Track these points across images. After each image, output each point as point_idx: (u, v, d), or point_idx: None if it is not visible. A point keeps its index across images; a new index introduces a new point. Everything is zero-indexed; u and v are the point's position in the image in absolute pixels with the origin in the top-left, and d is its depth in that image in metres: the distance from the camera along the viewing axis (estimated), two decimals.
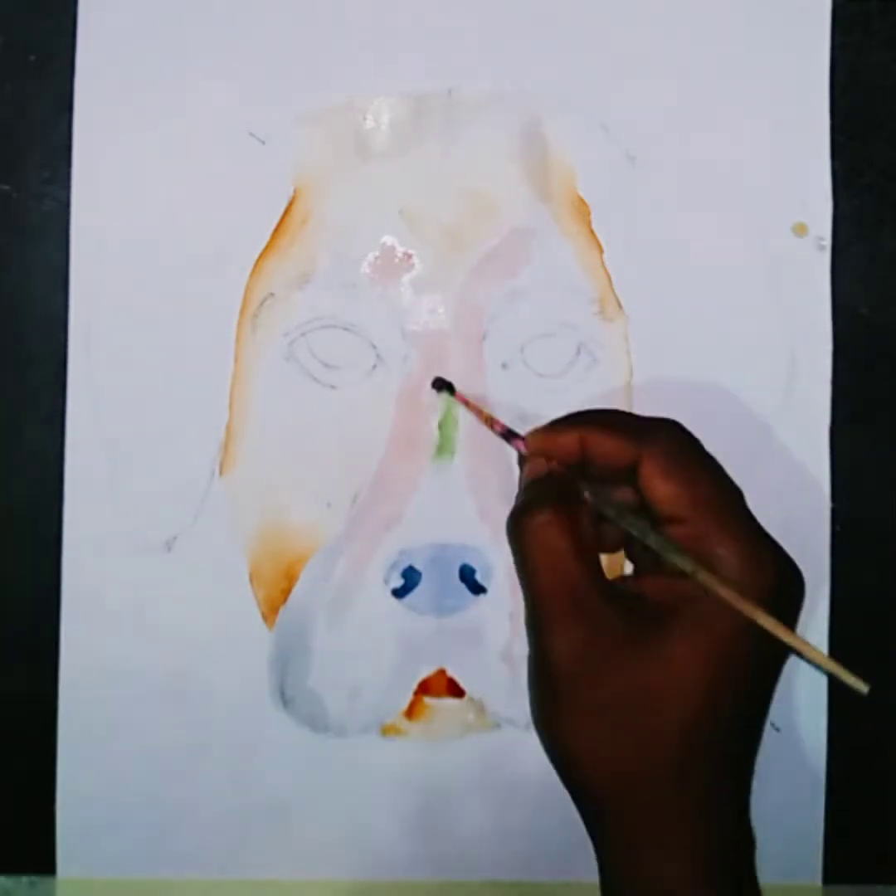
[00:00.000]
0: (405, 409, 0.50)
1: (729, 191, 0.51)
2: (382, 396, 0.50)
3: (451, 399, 0.49)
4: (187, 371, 0.50)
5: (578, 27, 0.51)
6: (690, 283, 0.51)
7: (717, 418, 0.51)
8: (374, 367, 0.50)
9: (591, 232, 0.50)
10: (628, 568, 0.50)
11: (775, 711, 0.50)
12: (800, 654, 0.39)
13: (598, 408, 0.44)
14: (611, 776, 0.39)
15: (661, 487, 0.40)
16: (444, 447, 0.49)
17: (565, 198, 0.50)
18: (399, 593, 0.49)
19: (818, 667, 0.39)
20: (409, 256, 0.50)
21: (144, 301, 0.50)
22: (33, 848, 0.50)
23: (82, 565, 0.50)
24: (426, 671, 0.49)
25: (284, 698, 0.50)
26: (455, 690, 0.50)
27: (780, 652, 0.40)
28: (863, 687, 0.38)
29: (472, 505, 0.49)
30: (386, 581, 0.49)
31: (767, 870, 0.50)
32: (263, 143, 0.50)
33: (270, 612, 0.50)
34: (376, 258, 0.50)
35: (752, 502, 0.50)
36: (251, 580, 0.50)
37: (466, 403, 0.48)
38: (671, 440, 0.41)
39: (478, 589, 0.49)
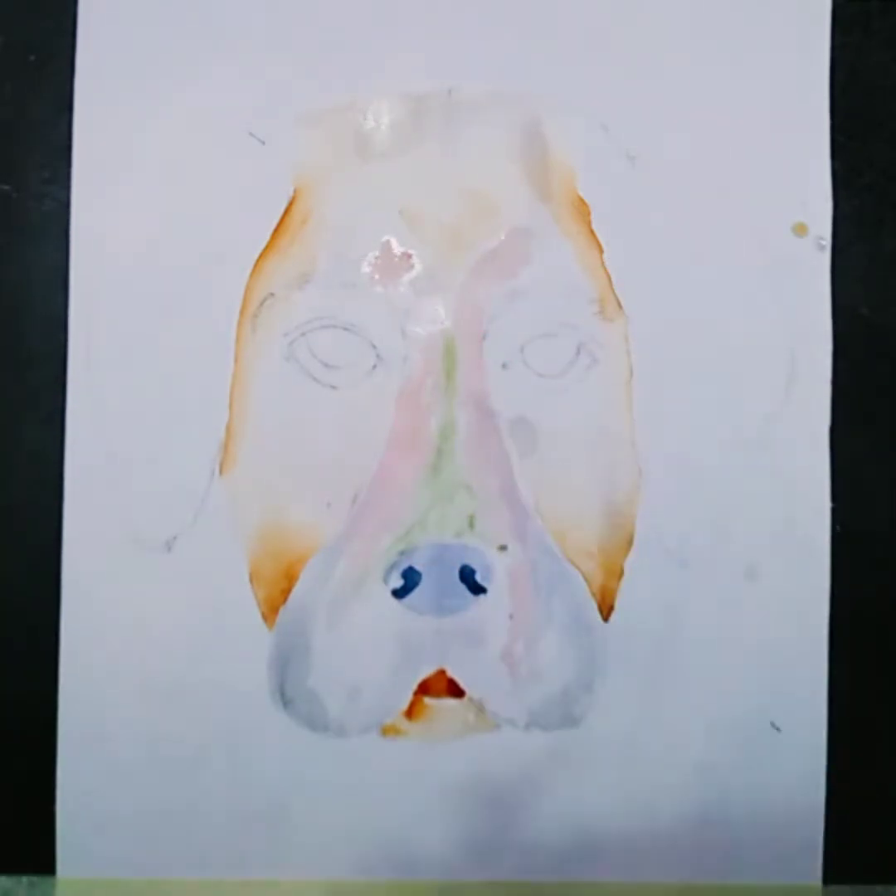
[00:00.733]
0: (405, 409, 0.50)
1: (729, 191, 0.51)
2: (382, 396, 0.50)
3: (453, 400, 0.49)
4: (187, 371, 0.50)
5: (578, 27, 0.51)
6: (690, 283, 0.51)
7: (717, 418, 0.51)
8: (374, 367, 0.50)
9: (591, 232, 0.50)
10: (629, 569, 0.50)
11: (775, 711, 0.50)
12: None
13: None
14: None
15: None
16: (443, 448, 0.49)
17: (565, 198, 0.50)
18: (399, 594, 0.49)
19: None
20: (409, 256, 0.50)
21: (144, 301, 0.50)
22: (33, 848, 0.50)
23: (82, 565, 0.50)
24: (426, 671, 0.49)
25: (284, 698, 0.50)
26: (455, 691, 0.50)
27: None
28: None
29: (472, 505, 0.49)
30: (386, 581, 0.49)
31: (767, 870, 0.51)
32: (263, 143, 0.50)
33: (270, 612, 0.50)
34: (376, 258, 0.50)
35: (753, 503, 0.51)
36: (251, 580, 0.50)
37: None
38: None
39: (478, 589, 0.49)
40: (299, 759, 0.50)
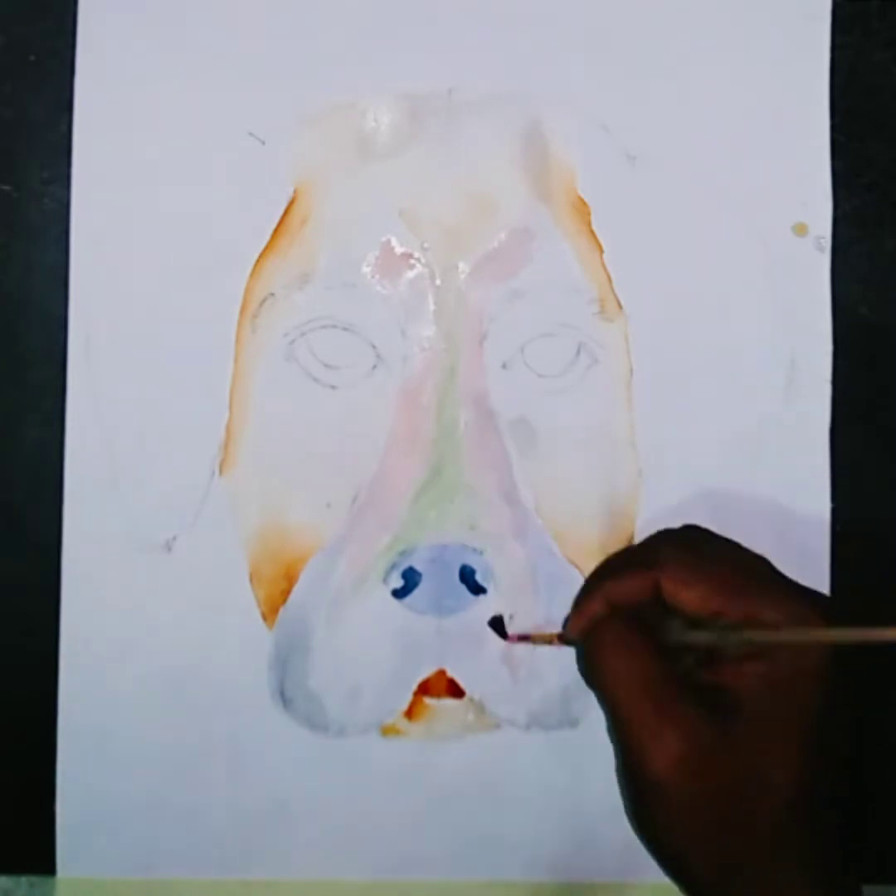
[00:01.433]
0: (405, 409, 0.50)
1: (729, 191, 0.51)
2: (382, 396, 0.50)
3: (453, 400, 0.49)
4: (187, 371, 0.50)
5: (578, 27, 0.51)
6: (690, 283, 0.51)
7: (717, 418, 0.51)
8: (374, 367, 0.50)
9: (591, 232, 0.50)
10: None
11: None
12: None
13: (602, 562, 0.44)
14: (716, 866, 0.39)
15: (686, 596, 0.41)
16: (443, 448, 0.49)
17: (565, 198, 0.50)
18: (399, 594, 0.49)
19: None
20: (409, 256, 0.50)
21: (144, 301, 0.50)
22: (33, 848, 0.50)
23: (82, 565, 0.50)
24: (426, 671, 0.49)
25: (284, 698, 0.50)
26: (455, 691, 0.50)
27: (854, 701, 0.41)
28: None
29: (472, 506, 0.49)
30: (386, 582, 0.49)
31: None
32: (263, 143, 0.50)
33: (270, 612, 0.50)
34: (376, 258, 0.50)
35: (753, 503, 0.51)
36: (251, 580, 0.50)
37: (524, 639, 0.47)
38: (675, 553, 0.42)
39: (478, 590, 0.49)
40: (299, 759, 0.50)
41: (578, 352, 0.50)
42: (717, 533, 0.44)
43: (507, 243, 0.50)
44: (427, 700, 0.50)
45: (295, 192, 0.50)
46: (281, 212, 0.50)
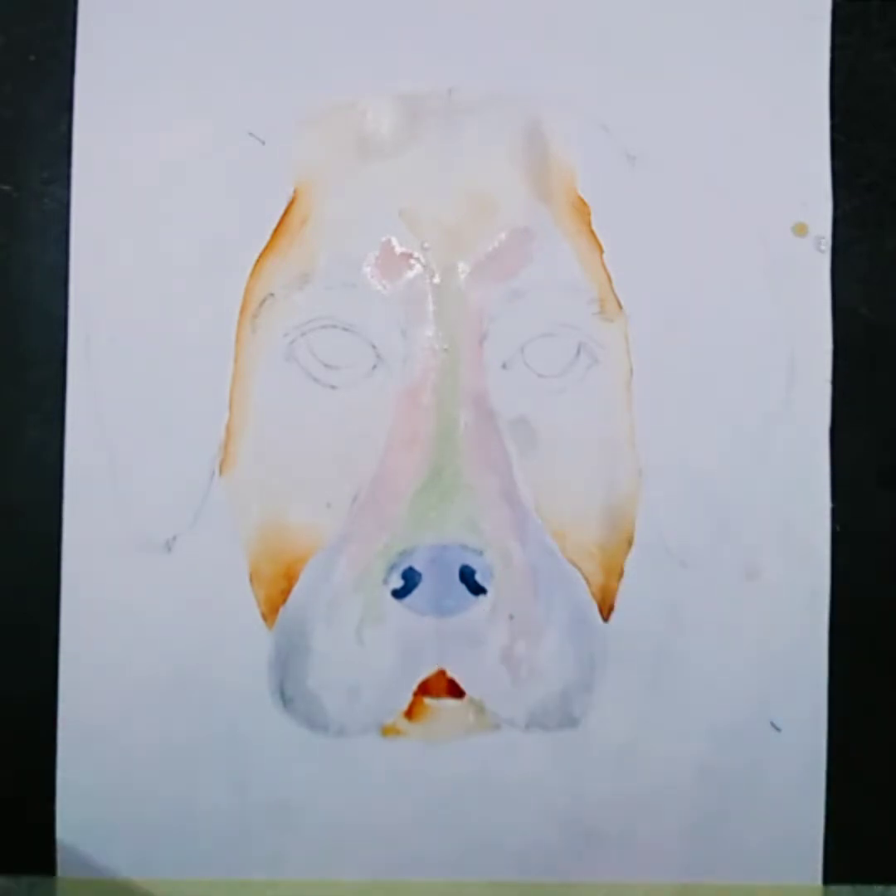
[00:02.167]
0: (405, 409, 0.50)
1: (729, 191, 0.51)
2: (382, 396, 0.50)
3: (453, 400, 0.49)
4: (187, 371, 0.50)
5: (578, 27, 0.51)
6: (690, 283, 0.51)
7: (717, 418, 0.51)
8: (374, 367, 0.50)
9: (591, 232, 0.50)
10: (629, 569, 0.50)
11: (775, 711, 0.50)
12: None
13: None
14: None
15: None
16: (443, 448, 0.49)
17: (565, 198, 0.50)
18: (399, 594, 0.49)
19: None
20: (409, 256, 0.50)
21: (144, 301, 0.50)
22: (33, 848, 0.50)
23: (82, 565, 0.50)
24: (426, 672, 0.49)
25: (284, 698, 0.50)
26: (455, 691, 0.50)
27: None
28: None
29: (472, 506, 0.49)
30: (386, 582, 0.49)
31: (767, 870, 0.51)
32: (263, 143, 0.50)
33: (270, 612, 0.50)
34: (376, 258, 0.50)
35: (753, 503, 0.51)
36: (251, 580, 0.50)
37: None
38: None
39: (478, 590, 0.49)
40: (299, 759, 0.50)
41: (578, 352, 0.50)
42: None
43: (507, 243, 0.50)
44: (427, 700, 0.50)
45: (295, 192, 0.50)
46: (281, 212, 0.50)
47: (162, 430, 0.50)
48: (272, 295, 0.50)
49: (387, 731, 0.50)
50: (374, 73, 0.51)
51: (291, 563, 0.50)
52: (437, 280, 0.50)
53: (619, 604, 0.50)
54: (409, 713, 0.50)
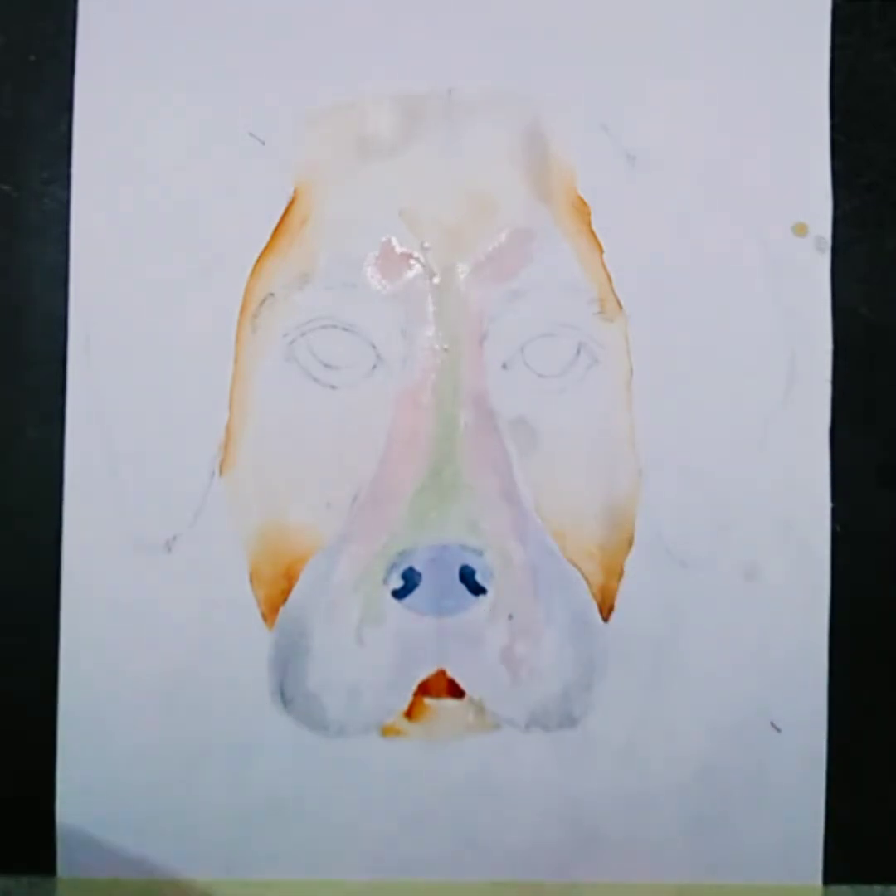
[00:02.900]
0: (405, 410, 0.50)
1: (729, 191, 0.51)
2: (382, 397, 0.50)
3: (453, 400, 0.49)
4: (187, 371, 0.50)
5: (578, 27, 0.51)
6: (690, 283, 0.51)
7: (717, 418, 0.51)
8: (374, 367, 0.50)
9: (591, 232, 0.50)
10: (629, 569, 0.50)
11: (775, 711, 0.50)
12: None
13: None
14: None
15: None
16: (443, 448, 0.49)
17: (565, 198, 0.50)
18: (399, 594, 0.49)
19: None
20: (409, 256, 0.50)
21: (144, 301, 0.50)
22: (33, 848, 0.50)
23: (82, 565, 0.50)
24: (426, 672, 0.49)
25: (284, 698, 0.50)
26: (455, 691, 0.50)
27: None
28: None
29: (472, 506, 0.49)
30: (386, 582, 0.49)
31: (767, 870, 0.51)
32: (263, 143, 0.50)
33: (270, 612, 0.50)
34: (376, 258, 0.50)
35: (752, 502, 0.51)
36: (251, 580, 0.50)
37: None
38: None
39: (478, 590, 0.49)
40: (299, 760, 0.50)
41: (578, 352, 0.50)
42: None
43: (507, 243, 0.50)
44: (427, 700, 0.50)
45: (295, 192, 0.50)
46: (281, 212, 0.50)
47: (162, 430, 0.50)
48: (272, 295, 0.50)
49: (387, 732, 0.50)
50: (374, 73, 0.51)
51: (291, 563, 0.50)
52: (437, 280, 0.50)
53: (619, 604, 0.50)
54: (409, 713, 0.50)
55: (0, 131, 0.51)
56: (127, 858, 0.50)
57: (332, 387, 0.50)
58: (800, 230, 0.51)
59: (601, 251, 0.50)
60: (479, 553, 0.49)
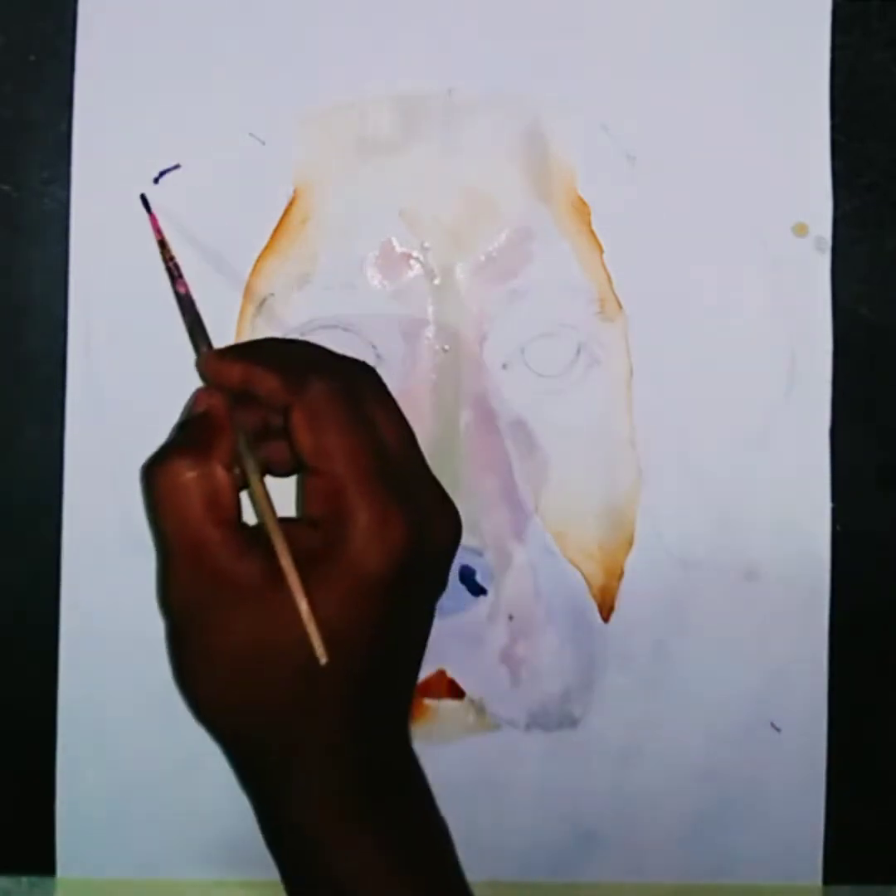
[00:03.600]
0: (405, 409, 0.49)
1: (729, 191, 0.51)
2: None
3: (453, 400, 0.49)
4: (187, 371, 0.50)
5: (578, 28, 0.51)
6: (690, 283, 0.51)
7: (717, 418, 0.51)
8: (374, 367, 0.50)
9: (591, 232, 0.50)
10: (629, 569, 0.50)
11: (775, 711, 0.50)
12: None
13: (269, 339, 0.45)
14: (242, 722, 0.40)
15: (303, 438, 0.40)
16: (443, 448, 0.49)
17: (565, 198, 0.50)
18: None
19: None
20: (409, 256, 0.50)
21: (144, 301, 0.50)
22: (33, 848, 0.50)
23: (82, 565, 0.50)
24: (426, 672, 0.49)
25: None
26: (455, 691, 0.50)
27: (422, 591, 0.42)
28: (322, 657, 0.38)
29: (472, 506, 0.49)
30: None
31: (767, 870, 0.50)
32: (263, 143, 0.50)
33: None
34: (376, 258, 0.50)
35: (752, 502, 0.51)
36: None
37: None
38: (320, 392, 0.41)
39: (478, 590, 0.49)
40: None
41: (578, 352, 0.50)
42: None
43: (507, 243, 0.50)
44: (427, 701, 0.50)
45: (295, 192, 0.50)
46: (281, 212, 0.50)
47: (162, 430, 0.50)
48: (272, 295, 0.50)
49: None
50: (374, 73, 0.50)
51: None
52: (437, 280, 0.50)
53: (619, 604, 0.50)
54: None
55: (0, 131, 0.51)
56: (127, 858, 0.50)
57: None
58: (800, 230, 0.51)
59: (601, 251, 0.50)
60: (479, 553, 0.49)
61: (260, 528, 0.41)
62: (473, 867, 0.50)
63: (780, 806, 0.51)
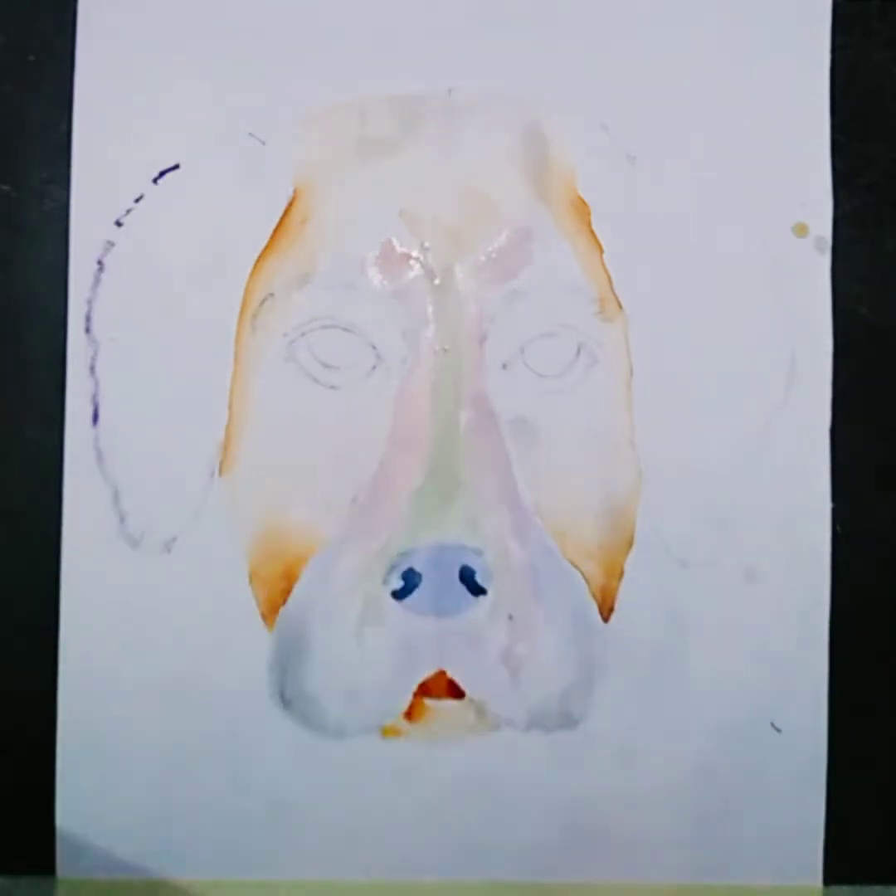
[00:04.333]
0: (405, 410, 0.50)
1: (729, 191, 0.51)
2: (382, 397, 0.50)
3: (453, 401, 0.49)
4: (187, 371, 0.50)
5: (578, 27, 0.51)
6: (690, 283, 0.51)
7: (717, 418, 0.51)
8: (374, 367, 0.50)
9: (591, 232, 0.50)
10: (629, 569, 0.50)
11: (775, 711, 0.50)
12: None
13: None
14: None
15: None
16: (443, 448, 0.49)
17: (565, 198, 0.50)
18: (399, 595, 0.49)
19: None
20: (409, 256, 0.50)
21: (144, 301, 0.50)
22: (33, 848, 0.50)
23: (82, 565, 0.50)
24: (426, 672, 0.49)
25: (284, 699, 0.50)
26: (455, 692, 0.50)
27: None
28: None
29: (472, 505, 0.49)
30: (386, 582, 0.49)
31: (767, 870, 0.51)
32: (264, 143, 0.50)
33: (270, 612, 0.50)
34: (376, 258, 0.50)
35: (752, 502, 0.51)
36: (251, 581, 0.50)
37: None
38: None
39: (478, 590, 0.49)
40: (299, 760, 0.50)
41: (578, 352, 0.50)
42: None
43: (507, 243, 0.50)
44: (427, 701, 0.50)
45: (295, 192, 0.50)
46: (281, 212, 0.50)
47: (162, 430, 0.50)
48: (272, 295, 0.50)
49: (387, 732, 0.50)
50: (374, 73, 0.50)
51: (291, 563, 0.50)
52: (437, 280, 0.50)
53: (619, 604, 0.50)
54: (409, 714, 0.50)
55: (0, 131, 0.51)
56: (127, 859, 0.50)
57: (332, 387, 0.50)
58: (800, 230, 0.51)
59: (601, 251, 0.50)
60: (479, 553, 0.49)
61: None
62: (473, 867, 0.50)
63: (781, 806, 0.51)
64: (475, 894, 0.50)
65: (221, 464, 0.50)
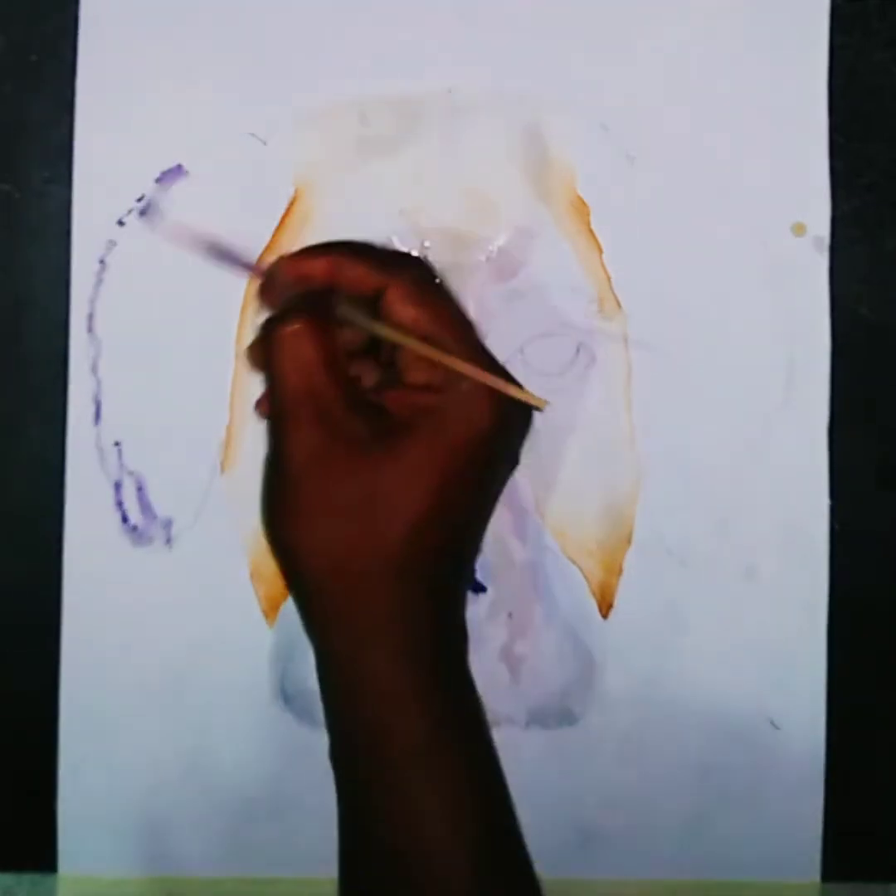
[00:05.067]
0: None
1: (728, 191, 0.51)
2: None
3: None
4: (188, 370, 0.50)
5: (578, 27, 0.51)
6: (690, 283, 0.51)
7: (717, 418, 0.51)
8: None
9: (591, 232, 0.50)
10: (628, 567, 0.50)
11: (774, 709, 0.50)
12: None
13: (336, 241, 0.44)
14: (335, 569, 0.40)
15: (403, 311, 0.41)
16: None
17: (565, 198, 0.50)
18: None
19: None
20: None
21: (144, 301, 0.50)
22: (34, 846, 0.50)
23: (82, 564, 0.50)
24: None
25: (285, 695, 0.50)
26: None
27: (508, 458, 0.43)
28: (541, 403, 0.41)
29: None
30: None
31: (766, 867, 0.51)
32: (264, 143, 0.50)
33: (271, 609, 0.50)
34: None
35: (753, 502, 0.51)
36: (252, 577, 0.50)
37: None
38: (416, 273, 0.43)
39: (477, 588, 0.49)
40: (300, 757, 0.50)
41: (578, 351, 0.50)
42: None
43: (506, 243, 0.50)
44: None
45: (296, 191, 0.50)
46: (282, 212, 0.50)
47: (163, 429, 0.50)
48: None
49: None
50: (374, 73, 0.50)
51: None
52: (436, 280, 0.50)
53: (618, 602, 0.51)
54: None
55: (0, 131, 0.51)
56: (128, 856, 0.51)
57: None
58: (799, 230, 0.51)
59: (601, 251, 0.50)
60: (480, 552, 0.49)
61: (362, 395, 0.42)
62: None
63: (779, 804, 0.51)
64: None
65: (223, 461, 0.50)
